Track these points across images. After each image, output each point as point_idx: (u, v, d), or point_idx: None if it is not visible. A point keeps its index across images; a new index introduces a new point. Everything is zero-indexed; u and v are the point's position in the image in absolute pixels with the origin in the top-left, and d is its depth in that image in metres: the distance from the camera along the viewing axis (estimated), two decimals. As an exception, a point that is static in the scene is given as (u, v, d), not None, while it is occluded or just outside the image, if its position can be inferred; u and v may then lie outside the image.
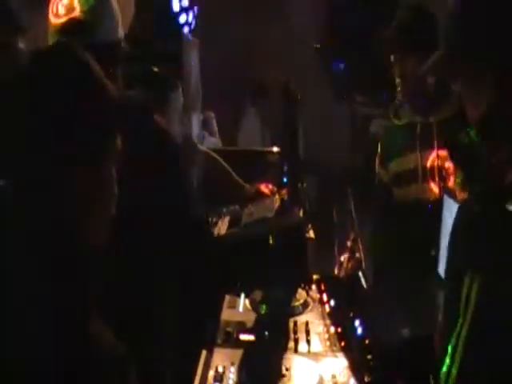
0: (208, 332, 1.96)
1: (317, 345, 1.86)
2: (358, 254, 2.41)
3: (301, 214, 2.25)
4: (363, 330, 1.83)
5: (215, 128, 5.42)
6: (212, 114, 5.35)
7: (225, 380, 1.65)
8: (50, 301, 0.94)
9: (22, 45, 1.85)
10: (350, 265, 2.44)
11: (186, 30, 4.18)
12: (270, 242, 2.10)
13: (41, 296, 0.94)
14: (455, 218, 1.28)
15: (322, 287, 2.20)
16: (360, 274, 2.24)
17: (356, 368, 1.71)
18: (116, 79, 1.88)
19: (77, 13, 1.83)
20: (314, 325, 1.97)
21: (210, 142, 5.05)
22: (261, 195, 2.72)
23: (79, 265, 0.99)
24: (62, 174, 1.00)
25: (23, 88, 1.02)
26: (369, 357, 1.71)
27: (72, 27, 1.85)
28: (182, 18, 4.09)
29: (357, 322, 1.87)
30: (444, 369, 1.20)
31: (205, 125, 5.06)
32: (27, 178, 1.00)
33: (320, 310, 2.09)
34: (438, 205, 2.01)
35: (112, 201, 1.08)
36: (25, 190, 1.00)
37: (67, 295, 0.96)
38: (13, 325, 0.94)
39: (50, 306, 0.94)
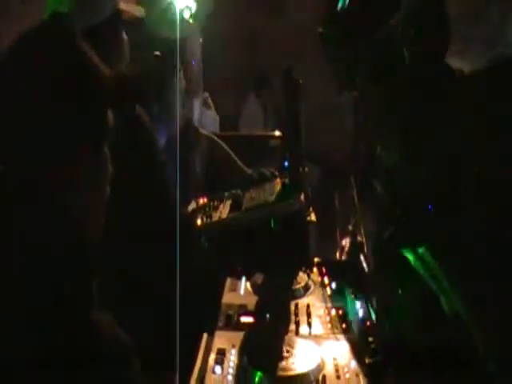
0: (209, 315, 1.96)
1: (318, 327, 1.86)
2: (359, 238, 2.40)
3: (302, 198, 2.24)
4: (364, 312, 1.83)
5: (211, 104, 5.45)
6: (206, 94, 5.38)
7: (226, 362, 1.65)
8: (50, 288, 0.94)
9: None
10: (351, 249, 2.44)
11: (186, 14, 4.16)
12: (272, 225, 2.10)
13: (41, 283, 0.94)
14: None
15: (323, 270, 2.21)
16: (361, 257, 2.23)
17: (357, 350, 1.71)
18: (121, 49, 1.88)
19: None
20: (315, 307, 1.98)
21: (208, 116, 5.08)
22: (262, 179, 2.71)
23: (79, 251, 0.99)
24: (54, 154, 0.99)
25: (11, 66, 1.01)
26: (370, 339, 1.71)
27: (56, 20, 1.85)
28: (183, 2, 4.06)
29: (358, 305, 1.87)
30: None
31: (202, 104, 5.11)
32: (23, 162, 0.99)
33: (321, 292, 2.09)
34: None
35: (106, 180, 1.08)
36: (20, 174, 0.99)
37: (67, 282, 0.95)
38: (14, 312, 0.94)
39: (50, 292, 0.93)
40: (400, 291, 1.56)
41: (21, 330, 0.93)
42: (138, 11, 2.02)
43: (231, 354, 1.70)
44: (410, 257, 1.48)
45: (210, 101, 5.47)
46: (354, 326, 1.84)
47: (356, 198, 2.71)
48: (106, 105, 1.06)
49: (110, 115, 1.06)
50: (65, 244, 0.97)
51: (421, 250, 1.48)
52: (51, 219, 0.98)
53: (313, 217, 2.27)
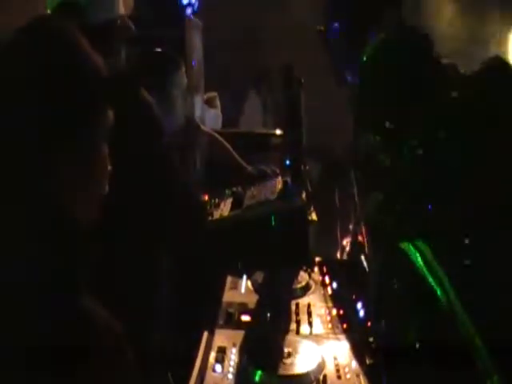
0: (209, 313, 1.95)
1: (319, 327, 1.86)
2: (360, 238, 2.39)
3: (303, 196, 2.24)
4: (365, 312, 1.83)
5: (218, 104, 5.44)
6: (215, 94, 5.37)
7: (226, 361, 1.65)
8: (38, 274, 0.93)
9: None
10: (352, 248, 2.43)
11: (188, 11, 4.16)
12: (272, 224, 2.09)
13: (28, 268, 0.93)
14: None
15: (324, 270, 2.20)
16: (362, 257, 2.23)
17: (358, 350, 1.71)
18: (117, 56, 1.88)
19: None
20: (316, 307, 1.97)
21: (210, 114, 5.06)
22: (263, 177, 2.70)
23: (68, 238, 0.98)
24: (51, 149, 0.98)
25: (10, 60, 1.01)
26: (370, 339, 1.70)
27: (66, 9, 1.85)
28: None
29: (359, 305, 1.86)
30: None
31: (208, 103, 5.09)
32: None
33: (322, 292, 2.08)
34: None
35: (104, 177, 1.08)
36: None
37: (56, 268, 0.95)
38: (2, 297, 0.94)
39: (38, 279, 0.93)
40: (397, 289, 1.57)
41: (7, 318, 0.92)
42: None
43: (232, 352, 1.69)
44: (408, 248, 1.47)
45: (217, 101, 5.45)
46: (355, 326, 1.83)
47: (356, 196, 2.71)
48: (105, 103, 1.05)
49: (110, 113, 1.06)
50: (53, 230, 0.97)
51: (418, 242, 1.48)
52: (42, 210, 0.97)
53: (314, 216, 2.27)
